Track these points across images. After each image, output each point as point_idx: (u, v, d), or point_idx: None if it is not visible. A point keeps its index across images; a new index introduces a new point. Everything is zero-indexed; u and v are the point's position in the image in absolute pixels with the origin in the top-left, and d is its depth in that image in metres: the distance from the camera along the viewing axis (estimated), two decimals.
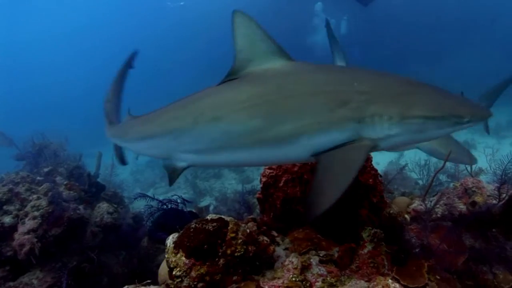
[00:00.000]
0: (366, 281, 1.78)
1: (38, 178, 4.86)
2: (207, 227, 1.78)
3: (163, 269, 2.43)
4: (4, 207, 4.18)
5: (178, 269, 1.76)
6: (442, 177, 5.85)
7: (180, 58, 37.06)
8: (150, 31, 37.53)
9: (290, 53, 2.00)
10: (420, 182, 6.08)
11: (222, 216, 1.88)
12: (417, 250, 2.54)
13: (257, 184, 7.97)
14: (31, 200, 4.26)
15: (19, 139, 7.26)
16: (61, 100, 36.42)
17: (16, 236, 3.90)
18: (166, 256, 1.87)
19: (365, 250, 2.05)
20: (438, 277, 2.14)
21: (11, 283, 3.86)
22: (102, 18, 38.99)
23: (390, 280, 1.54)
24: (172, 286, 1.84)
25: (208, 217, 1.87)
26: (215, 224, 1.80)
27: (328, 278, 1.85)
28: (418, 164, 6.11)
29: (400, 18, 29.27)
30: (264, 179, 2.75)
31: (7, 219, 4.05)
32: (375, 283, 1.55)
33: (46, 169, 5.65)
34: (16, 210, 4.17)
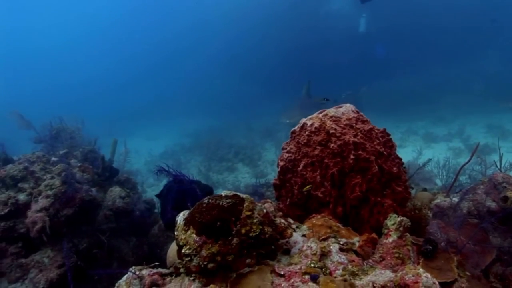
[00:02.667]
0: (392, 272, 1.62)
1: (53, 158, 4.86)
2: (221, 203, 1.65)
3: (172, 251, 2.33)
4: (19, 184, 4.19)
5: (187, 247, 1.64)
6: (462, 178, 5.65)
7: (195, 59, 37.33)
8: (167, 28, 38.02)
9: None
10: (439, 182, 5.87)
11: (238, 193, 1.75)
12: (443, 244, 2.37)
13: (270, 179, 7.86)
14: (45, 179, 4.26)
15: (38, 122, 7.34)
16: (80, 88, 37.21)
17: (29, 213, 3.90)
18: (175, 233, 1.76)
19: (390, 240, 1.89)
20: (468, 274, 1.96)
21: (23, 260, 3.85)
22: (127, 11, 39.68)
23: (421, 269, 1.38)
24: (181, 266, 1.73)
25: (223, 193, 1.74)
26: (229, 200, 1.67)
27: (349, 267, 1.70)
28: (437, 164, 5.91)
29: (421, 16, 28.50)
30: (281, 163, 2.61)
31: (22, 196, 4.06)
32: (404, 271, 1.39)
33: (61, 152, 5.66)
34: (30, 188, 4.17)
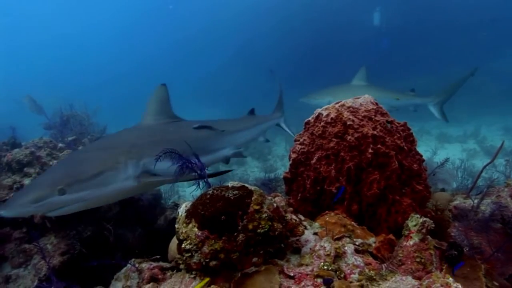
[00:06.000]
0: (413, 278, 1.46)
1: (60, 144, 4.79)
2: (226, 195, 1.50)
3: (173, 244, 2.20)
4: (25, 169, 4.13)
5: (188, 241, 1.50)
6: (479, 182, 5.41)
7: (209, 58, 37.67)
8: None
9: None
10: (454, 184, 5.63)
11: (246, 185, 1.59)
12: (467, 249, 2.18)
13: (280, 173, 7.70)
14: (51, 165, 4.19)
15: (49, 109, 7.33)
16: (96, 77, 38.01)
17: None
18: (176, 226, 1.62)
19: (411, 242, 1.72)
20: (496, 284, 1.78)
21: (27, 245, 3.79)
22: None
23: (451, 279, 1.21)
24: (181, 261, 1.59)
25: (229, 184, 1.59)
26: (236, 192, 1.52)
27: (366, 271, 1.54)
28: (452, 165, 5.65)
29: (436, 14, 27.70)
30: (293, 156, 2.44)
31: (27, 181, 3.98)
32: (431, 280, 1.23)
33: (70, 138, 5.60)
34: (35, 173, 4.10)
